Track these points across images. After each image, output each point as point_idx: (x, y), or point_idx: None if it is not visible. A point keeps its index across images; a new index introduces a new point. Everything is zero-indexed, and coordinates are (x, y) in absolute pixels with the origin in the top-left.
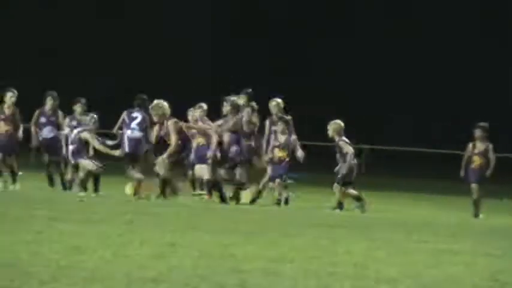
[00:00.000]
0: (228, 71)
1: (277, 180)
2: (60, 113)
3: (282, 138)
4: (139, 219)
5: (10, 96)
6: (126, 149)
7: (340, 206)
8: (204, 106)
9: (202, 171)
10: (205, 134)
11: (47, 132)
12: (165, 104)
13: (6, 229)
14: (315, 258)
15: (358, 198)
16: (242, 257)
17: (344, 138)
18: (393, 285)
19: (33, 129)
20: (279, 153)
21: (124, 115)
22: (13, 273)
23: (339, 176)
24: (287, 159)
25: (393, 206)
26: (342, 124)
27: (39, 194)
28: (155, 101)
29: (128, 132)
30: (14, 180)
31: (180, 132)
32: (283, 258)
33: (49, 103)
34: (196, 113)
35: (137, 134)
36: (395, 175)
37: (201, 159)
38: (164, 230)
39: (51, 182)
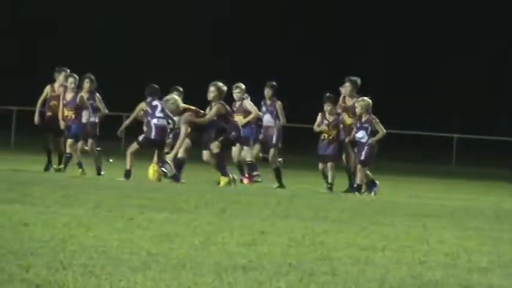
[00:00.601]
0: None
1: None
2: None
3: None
4: (229, 207)
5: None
6: (153, 136)
7: (359, 188)
8: (242, 86)
9: (245, 153)
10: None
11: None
12: (174, 97)
13: (100, 216)
14: (406, 247)
15: (372, 182)
16: (332, 245)
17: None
18: (485, 274)
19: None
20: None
21: (144, 106)
22: (104, 260)
23: (362, 159)
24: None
25: (479, 196)
26: (370, 101)
27: (130, 183)
28: (165, 98)
29: (154, 121)
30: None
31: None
32: (374, 247)
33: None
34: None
35: (163, 121)
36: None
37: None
38: (254, 218)
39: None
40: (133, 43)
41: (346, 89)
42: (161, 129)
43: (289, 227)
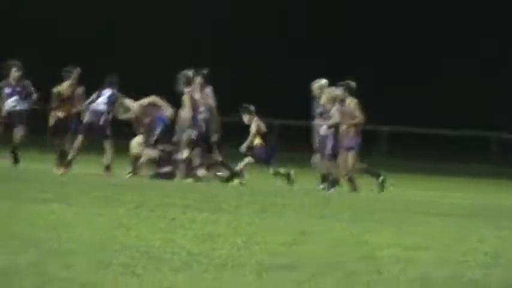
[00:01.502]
0: None
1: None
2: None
3: None
4: (271, 207)
5: None
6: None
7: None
8: None
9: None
10: None
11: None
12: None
13: (142, 216)
14: (446, 246)
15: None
16: (374, 245)
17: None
18: None
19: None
20: None
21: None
22: (146, 259)
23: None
24: None
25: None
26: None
27: (172, 183)
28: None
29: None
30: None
31: None
32: (416, 246)
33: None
34: None
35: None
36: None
37: None
38: (295, 218)
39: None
40: (132, 43)
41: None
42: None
43: (329, 227)
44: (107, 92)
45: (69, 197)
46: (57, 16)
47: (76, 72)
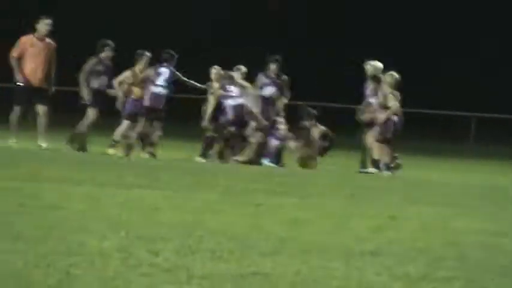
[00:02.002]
0: None
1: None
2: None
3: None
4: (359, 192)
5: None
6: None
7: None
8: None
9: None
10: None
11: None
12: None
13: (229, 202)
14: None
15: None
16: (461, 230)
17: None
18: None
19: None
20: None
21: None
22: (233, 244)
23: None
24: None
25: None
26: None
27: (257, 168)
28: None
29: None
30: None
31: None
32: (503, 233)
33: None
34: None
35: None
36: None
37: None
38: (384, 203)
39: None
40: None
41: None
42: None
43: (418, 212)
44: (164, 72)
45: (162, 182)
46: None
47: (146, 56)
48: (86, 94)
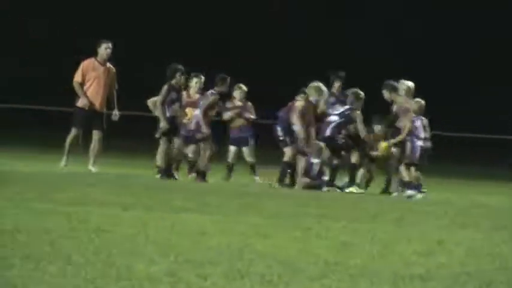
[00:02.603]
0: None
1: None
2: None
3: None
4: (407, 216)
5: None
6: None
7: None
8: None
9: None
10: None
11: None
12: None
13: (278, 225)
14: None
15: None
16: (511, 255)
17: None
18: None
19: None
20: None
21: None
22: (282, 268)
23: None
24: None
25: None
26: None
27: (306, 192)
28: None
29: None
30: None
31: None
32: None
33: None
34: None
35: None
36: None
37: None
38: (432, 227)
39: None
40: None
41: None
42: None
43: (467, 237)
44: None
45: (211, 206)
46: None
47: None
48: (165, 124)
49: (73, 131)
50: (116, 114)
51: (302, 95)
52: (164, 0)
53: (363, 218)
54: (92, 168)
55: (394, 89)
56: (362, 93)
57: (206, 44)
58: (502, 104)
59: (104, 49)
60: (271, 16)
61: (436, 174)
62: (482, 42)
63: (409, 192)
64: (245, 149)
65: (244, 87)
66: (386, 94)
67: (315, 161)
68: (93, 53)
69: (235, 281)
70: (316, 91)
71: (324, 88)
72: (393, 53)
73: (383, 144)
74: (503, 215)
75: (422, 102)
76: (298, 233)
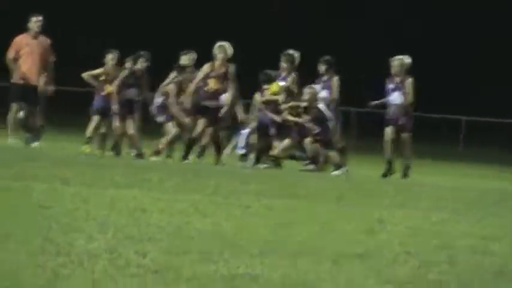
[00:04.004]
0: None
1: None
2: None
3: None
4: (347, 195)
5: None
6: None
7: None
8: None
9: None
10: None
11: None
12: None
13: (217, 203)
14: None
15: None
16: (450, 234)
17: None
18: None
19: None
20: None
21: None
22: (222, 246)
23: None
24: None
25: None
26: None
27: (248, 170)
28: None
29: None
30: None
31: None
32: (492, 237)
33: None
34: None
35: None
36: None
37: None
38: (372, 206)
39: None
40: None
41: None
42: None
43: (407, 216)
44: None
45: (151, 182)
46: None
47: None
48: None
49: (13, 107)
50: (50, 88)
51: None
52: (164, 0)
53: (303, 196)
54: (12, 140)
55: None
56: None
57: (206, 44)
58: (502, 104)
59: (34, 22)
60: (271, 16)
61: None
62: (483, 42)
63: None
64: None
65: None
66: None
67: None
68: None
69: (175, 258)
70: None
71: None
72: (393, 53)
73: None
74: (443, 195)
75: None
76: (238, 211)
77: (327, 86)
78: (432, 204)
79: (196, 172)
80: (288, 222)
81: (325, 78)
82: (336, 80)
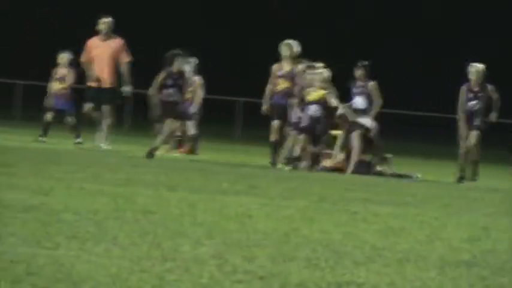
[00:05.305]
0: None
1: None
2: None
3: None
4: (455, 202)
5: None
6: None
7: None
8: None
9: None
10: None
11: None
12: None
13: (324, 209)
14: None
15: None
16: None
17: None
18: None
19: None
20: None
21: None
22: (328, 253)
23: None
24: None
25: None
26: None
27: (354, 176)
28: None
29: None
30: None
31: None
32: None
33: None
34: None
35: None
36: None
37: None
38: (479, 213)
39: None
40: None
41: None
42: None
43: None
44: None
45: (259, 189)
46: None
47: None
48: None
49: (85, 107)
50: (126, 90)
51: None
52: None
53: (411, 203)
54: (102, 145)
55: None
56: None
57: (205, 44)
58: None
59: (102, 24)
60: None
61: (490, 162)
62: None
63: None
64: None
65: None
66: None
67: None
68: None
69: (282, 264)
70: None
71: None
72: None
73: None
74: None
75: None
76: (344, 217)
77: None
78: None
79: (301, 179)
80: (394, 228)
81: (360, 83)
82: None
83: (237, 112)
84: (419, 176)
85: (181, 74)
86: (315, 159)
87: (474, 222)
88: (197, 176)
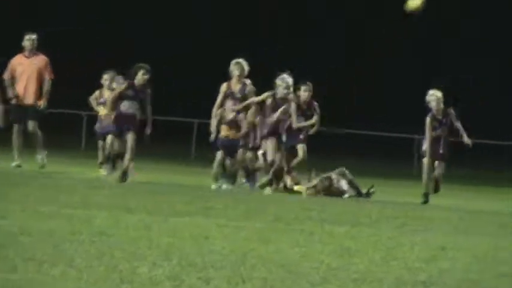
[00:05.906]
0: None
1: None
2: None
3: None
4: (410, 222)
5: None
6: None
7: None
8: None
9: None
10: None
11: None
12: None
13: (280, 230)
14: None
15: None
16: None
17: None
18: None
19: None
20: None
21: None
22: (284, 273)
23: None
24: None
25: None
26: None
27: (309, 197)
28: None
29: None
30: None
31: None
32: None
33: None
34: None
35: None
36: None
37: None
38: (435, 233)
39: None
40: None
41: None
42: None
43: (470, 243)
44: None
45: (215, 209)
46: None
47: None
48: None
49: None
50: (43, 106)
51: None
52: (164, 0)
53: (366, 223)
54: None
55: None
56: None
57: (205, 44)
58: None
59: (27, 40)
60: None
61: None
62: None
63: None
64: None
65: None
66: None
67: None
68: None
69: (238, 286)
70: None
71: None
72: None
73: None
74: (505, 221)
75: None
76: (300, 237)
77: None
78: (494, 230)
79: (258, 200)
80: (350, 249)
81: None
82: None
83: (193, 133)
84: (372, 190)
85: (144, 88)
86: (279, 175)
87: (430, 241)
88: (153, 197)
